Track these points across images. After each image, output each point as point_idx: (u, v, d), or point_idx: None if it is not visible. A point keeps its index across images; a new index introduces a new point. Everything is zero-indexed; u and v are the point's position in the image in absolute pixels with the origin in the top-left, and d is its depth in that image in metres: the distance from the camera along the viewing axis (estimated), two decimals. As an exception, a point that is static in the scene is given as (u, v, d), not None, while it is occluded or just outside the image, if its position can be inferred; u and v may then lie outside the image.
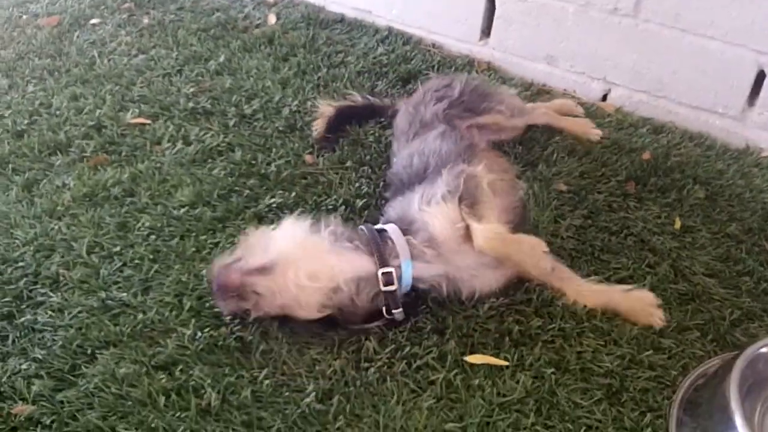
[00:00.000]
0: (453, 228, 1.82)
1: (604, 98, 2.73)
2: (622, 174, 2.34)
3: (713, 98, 2.54)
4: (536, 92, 2.75)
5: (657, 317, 1.86)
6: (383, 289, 1.74)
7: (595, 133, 2.50)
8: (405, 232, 1.82)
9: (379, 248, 1.76)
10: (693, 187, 2.32)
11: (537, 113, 2.51)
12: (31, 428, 1.55)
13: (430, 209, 1.85)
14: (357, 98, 2.53)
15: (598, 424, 1.63)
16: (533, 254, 1.85)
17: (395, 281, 1.75)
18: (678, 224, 2.18)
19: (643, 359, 1.78)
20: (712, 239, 2.14)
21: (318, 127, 2.42)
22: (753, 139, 2.55)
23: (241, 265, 1.69)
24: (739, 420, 1.49)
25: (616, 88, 2.69)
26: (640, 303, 1.88)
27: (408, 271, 1.78)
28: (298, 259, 1.69)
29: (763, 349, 1.67)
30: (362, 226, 1.85)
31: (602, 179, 2.32)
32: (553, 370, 1.74)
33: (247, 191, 2.14)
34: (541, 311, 1.88)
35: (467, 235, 1.82)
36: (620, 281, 1.98)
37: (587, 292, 1.89)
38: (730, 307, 1.92)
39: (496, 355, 1.76)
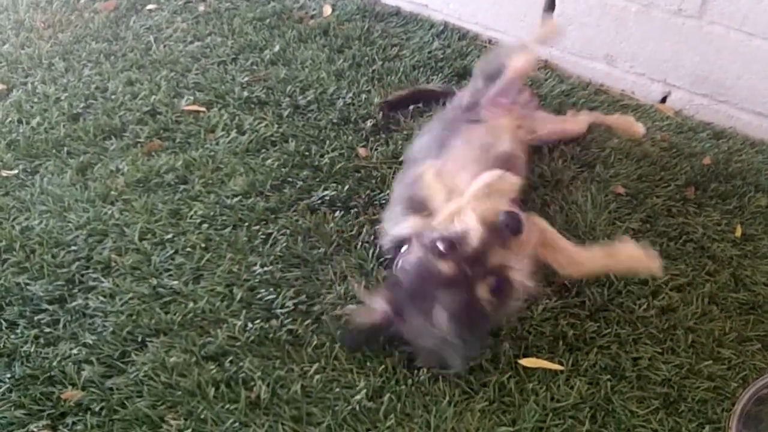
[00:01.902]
0: None
1: (663, 100, 2.65)
2: (682, 179, 2.27)
3: (777, 103, 2.45)
4: (594, 92, 2.68)
5: (655, 267, 1.74)
6: None
7: (640, 127, 2.38)
8: None
9: None
10: (755, 194, 2.25)
11: (583, 119, 2.41)
12: (80, 414, 1.54)
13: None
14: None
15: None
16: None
17: None
18: (739, 232, 2.12)
19: (702, 369, 1.73)
20: (774, 249, 2.07)
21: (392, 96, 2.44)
22: (817, 146, 2.46)
23: None
24: None
25: (677, 90, 2.61)
26: (631, 260, 1.75)
27: None
28: None
29: None
30: None
31: (661, 183, 2.25)
32: (608, 376, 1.70)
33: (300, 182, 2.12)
34: (596, 315, 1.84)
35: None
36: (678, 288, 1.92)
37: (573, 261, 1.77)
38: (793, 319, 1.84)
39: (551, 359, 1.73)
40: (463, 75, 2.64)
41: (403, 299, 1.56)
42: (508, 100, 2.18)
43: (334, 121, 2.38)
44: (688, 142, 2.46)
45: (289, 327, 1.75)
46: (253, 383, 1.63)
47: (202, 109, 2.40)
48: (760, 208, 2.20)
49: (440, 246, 1.49)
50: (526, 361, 1.72)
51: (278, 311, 1.78)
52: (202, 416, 1.55)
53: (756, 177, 2.32)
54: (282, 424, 1.56)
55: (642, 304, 1.87)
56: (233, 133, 2.29)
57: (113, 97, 2.45)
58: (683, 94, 2.59)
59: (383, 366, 1.67)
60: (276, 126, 2.34)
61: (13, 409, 1.54)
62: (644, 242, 1.68)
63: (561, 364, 1.71)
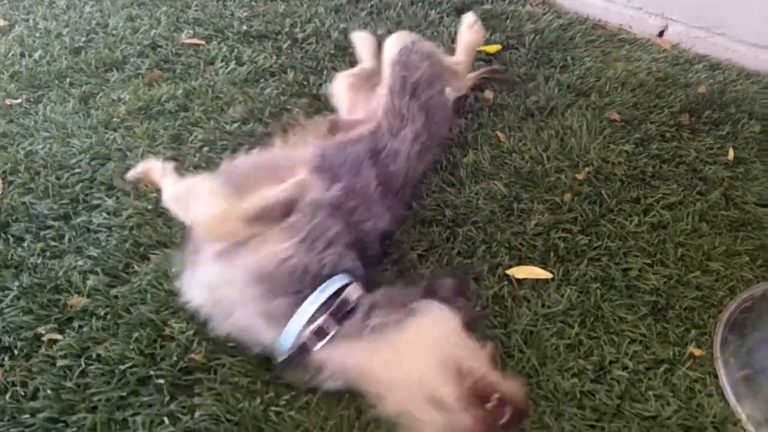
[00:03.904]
0: None
1: (661, 34, 2.67)
2: (676, 106, 2.30)
3: (774, 35, 2.47)
4: (591, 27, 2.69)
5: None
6: None
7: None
8: None
9: None
10: (749, 121, 2.28)
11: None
12: (86, 318, 1.59)
13: None
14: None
15: (642, 338, 1.64)
16: None
17: None
18: (731, 155, 2.15)
19: (690, 280, 1.78)
20: (766, 171, 2.11)
21: None
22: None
23: None
24: None
25: (674, 24, 2.63)
26: None
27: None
28: None
29: None
30: None
31: (656, 110, 2.28)
32: (598, 285, 1.75)
33: (298, 110, 2.15)
34: (587, 230, 1.88)
35: None
36: (669, 206, 1.96)
37: None
38: (782, 235, 1.87)
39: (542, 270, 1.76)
40: (461, 9, 2.65)
41: None
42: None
43: (332, 52, 2.40)
44: (684, 73, 2.48)
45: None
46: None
47: (202, 42, 2.43)
48: (753, 133, 2.23)
49: None
50: (517, 271, 1.76)
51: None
52: (203, 321, 1.59)
53: (750, 105, 2.34)
54: (280, 327, 1.60)
55: (633, 221, 1.91)
56: (232, 65, 2.33)
57: (114, 32, 2.48)
58: (680, 27, 2.61)
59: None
60: (274, 58, 2.37)
61: (21, 314, 1.59)
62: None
63: (552, 274, 1.75)
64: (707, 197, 2.00)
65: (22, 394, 1.45)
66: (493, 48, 2.49)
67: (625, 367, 1.58)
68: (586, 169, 2.03)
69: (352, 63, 2.35)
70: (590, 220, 1.89)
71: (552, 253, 1.80)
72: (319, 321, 1.41)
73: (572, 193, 1.96)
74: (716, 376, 1.59)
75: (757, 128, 2.24)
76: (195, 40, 2.43)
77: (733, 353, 1.61)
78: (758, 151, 2.17)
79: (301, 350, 1.41)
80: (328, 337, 1.40)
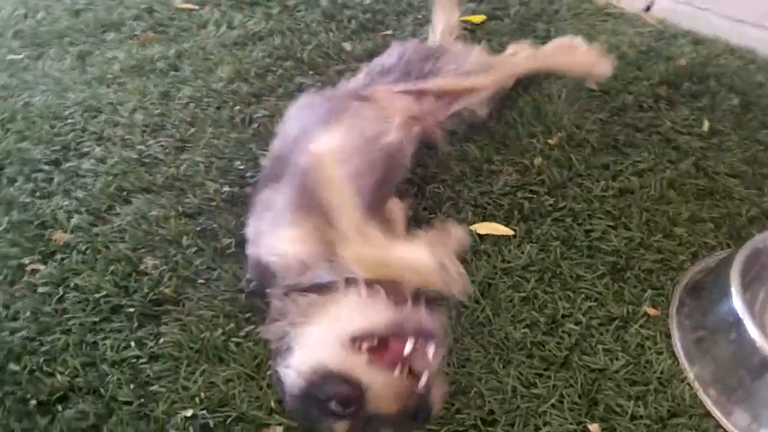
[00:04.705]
0: None
1: (648, 9, 2.70)
2: (655, 78, 2.33)
3: (760, 11, 2.49)
4: (578, 1, 2.73)
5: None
6: None
7: (604, 69, 2.15)
8: None
9: None
10: (728, 94, 2.29)
11: (516, 62, 2.14)
12: (68, 252, 1.70)
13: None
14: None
15: (598, 296, 1.69)
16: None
17: None
18: (706, 126, 2.18)
19: (652, 243, 1.82)
20: (740, 143, 2.13)
21: None
22: (799, 54, 2.50)
23: None
24: (736, 297, 1.52)
25: (661, -1, 2.66)
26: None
27: None
28: None
29: (761, 243, 1.69)
30: None
31: (635, 81, 2.32)
32: (559, 244, 1.79)
33: (282, 71, 2.24)
34: (554, 192, 1.93)
35: None
36: (639, 173, 2.00)
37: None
38: (749, 205, 1.93)
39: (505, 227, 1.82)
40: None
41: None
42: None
43: (319, 19, 2.49)
44: (667, 47, 2.51)
45: (261, 194, 1.87)
46: (222, 236, 1.76)
47: (195, 7, 2.54)
48: (731, 107, 2.25)
49: (334, 407, 1.19)
50: (480, 227, 1.82)
51: (251, 180, 1.91)
52: (176, 259, 1.69)
53: (731, 79, 2.36)
54: (241, 267, 1.69)
55: (600, 185, 1.95)
56: (223, 28, 2.43)
57: (112, -4, 2.59)
58: (667, 2, 2.64)
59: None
60: (264, 23, 2.47)
61: (8, 246, 1.71)
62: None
63: (514, 231, 1.81)
64: (678, 166, 2.03)
65: (4, 315, 1.57)
66: (477, 18, 2.55)
67: (578, 322, 1.63)
68: (559, 134, 2.08)
69: (339, 29, 2.43)
70: (558, 182, 1.95)
71: (516, 212, 1.86)
72: None
73: (542, 157, 2.01)
74: (668, 336, 1.64)
75: (735, 101, 2.27)
76: (189, 5, 2.54)
77: (688, 315, 1.66)
78: (734, 123, 2.20)
79: None
80: None
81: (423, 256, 1.30)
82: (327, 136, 1.52)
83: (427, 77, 1.90)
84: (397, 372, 1.17)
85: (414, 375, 1.18)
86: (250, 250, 1.50)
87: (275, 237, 1.41)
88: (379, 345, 1.21)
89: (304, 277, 1.35)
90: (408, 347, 1.17)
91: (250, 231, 1.52)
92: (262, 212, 1.50)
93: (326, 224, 1.38)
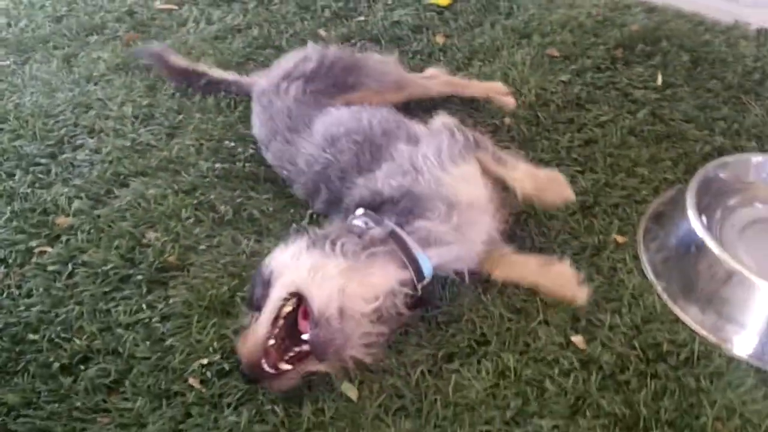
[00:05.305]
0: (483, 188, 1.68)
1: (602, -18, 2.85)
2: (611, 42, 2.48)
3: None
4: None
5: (580, 294, 1.64)
6: (420, 286, 1.55)
7: (509, 101, 2.23)
8: (410, 215, 1.58)
9: (406, 248, 1.52)
10: (679, 52, 2.45)
11: (431, 84, 2.20)
12: (72, 234, 1.81)
13: (453, 172, 1.64)
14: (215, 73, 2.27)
15: (571, 230, 1.83)
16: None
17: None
18: (660, 80, 2.33)
19: (617, 182, 1.96)
20: (692, 93, 2.29)
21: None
22: (743, 16, 2.66)
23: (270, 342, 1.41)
24: (694, 220, 1.69)
25: (613, -28, 2.81)
26: (560, 279, 1.67)
27: (427, 264, 1.54)
28: (331, 300, 1.40)
29: (719, 172, 1.88)
30: (361, 221, 1.58)
31: (592, 47, 2.47)
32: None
33: (262, 59, 2.37)
34: (524, 145, 2.07)
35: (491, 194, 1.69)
36: (601, 125, 2.14)
37: (507, 263, 1.70)
38: (703, 144, 2.08)
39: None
40: None
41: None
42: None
43: (294, 11, 2.62)
44: (621, 16, 2.67)
45: (250, 169, 2.00)
46: (219, 207, 1.87)
47: (175, 7, 2.66)
48: (682, 63, 2.41)
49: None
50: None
51: (240, 156, 2.03)
52: (176, 230, 1.80)
53: (681, 40, 2.52)
54: (244, 233, 1.81)
55: (566, 137, 2.10)
56: (203, 24, 2.56)
57: (93, 1, 2.71)
58: (618, -25, 2.79)
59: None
60: (242, 17, 2.61)
61: (14, 233, 1.80)
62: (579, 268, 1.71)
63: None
64: (636, 115, 2.18)
65: (18, 293, 1.67)
66: (444, 1, 2.69)
67: (554, 253, 1.76)
68: (527, 96, 2.22)
69: (313, 18, 2.56)
70: (527, 137, 2.09)
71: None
72: None
73: (512, 117, 2.15)
74: (637, 258, 1.78)
75: (686, 58, 2.43)
76: (169, 6, 2.66)
77: (653, 239, 1.81)
78: (686, 77, 2.36)
79: None
80: None
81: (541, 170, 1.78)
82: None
83: (353, 89, 1.99)
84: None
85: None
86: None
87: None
88: None
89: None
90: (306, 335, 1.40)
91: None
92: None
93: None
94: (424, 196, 1.59)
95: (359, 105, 1.90)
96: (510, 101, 2.23)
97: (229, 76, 2.23)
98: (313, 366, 1.42)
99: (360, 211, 1.61)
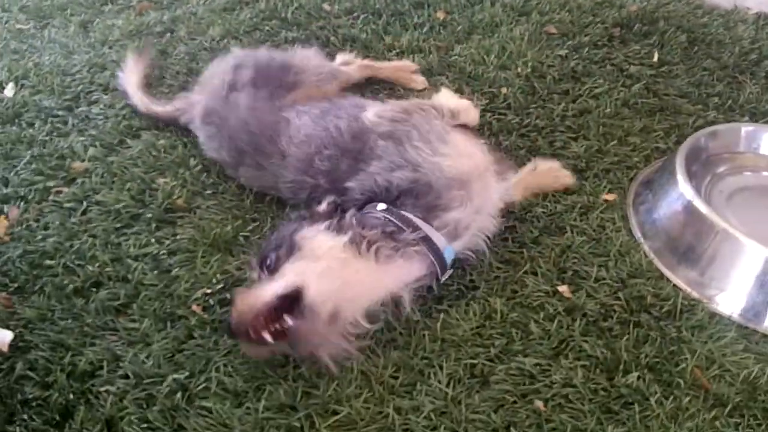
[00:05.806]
0: (480, 151, 1.76)
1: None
2: (609, 21, 2.56)
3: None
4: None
5: (569, 180, 1.90)
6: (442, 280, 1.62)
7: (419, 81, 2.28)
8: (436, 209, 1.60)
9: (433, 248, 1.55)
10: (676, 33, 2.52)
11: (351, 70, 2.22)
12: (87, 177, 1.91)
13: (447, 150, 1.67)
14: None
15: (563, 192, 1.90)
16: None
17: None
18: (656, 58, 2.41)
19: (610, 149, 2.04)
20: (688, 71, 2.36)
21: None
22: (742, 0, 2.73)
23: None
24: (684, 183, 1.76)
25: (614, -44, 2.89)
26: (550, 173, 1.90)
27: (450, 255, 1.60)
28: (329, 300, 1.40)
29: (709, 142, 1.97)
30: (383, 215, 1.57)
31: (590, 25, 2.55)
32: (525, 152, 2.01)
33: (268, 29, 2.47)
34: (519, 112, 2.15)
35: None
36: (596, 96, 2.22)
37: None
38: (696, 117, 2.16)
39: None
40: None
41: None
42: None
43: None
44: (621, -1, 2.75)
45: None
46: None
47: (186, -22, 2.76)
48: (679, 43, 2.49)
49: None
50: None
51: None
52: (185, 177, 1.89)
53: (679, 21, 2.60)
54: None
55: (561, 106, 2.17)
56: (212, -4, 2.66)
57: (108, -28, 2.81)
58: (618, -42, 2.87)
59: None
60: (250, -11, 2.70)
61: (33, 175, 1.91)
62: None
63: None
64: (630, 89, 2.26)
65: (35, 226, 1.77)
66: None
67: (544, 209, 1.84)
68: (523, 68, 2.31)
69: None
70: (523, 105, 2.17)
71: (485, 129, 2.07)
72: None
73: (509, 87, 2.24)
74: (625, 218, 1.85)
75: (683, 38, 2.50)
76: (180, -23, 2.76)
77: (642, 202, 1.88)
78: (682, 56, 2.43)
79: None
80: None
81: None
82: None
83: (295, 87, 1.94)
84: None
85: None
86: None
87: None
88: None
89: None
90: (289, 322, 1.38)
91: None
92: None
93: None
94: (441, 185, 1.60)
95: (310, 105, 1.83)
96: (420, 79, 2.27)
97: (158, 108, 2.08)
98: (288, 349, 1.43)
99: (382, 206, 1.59)
